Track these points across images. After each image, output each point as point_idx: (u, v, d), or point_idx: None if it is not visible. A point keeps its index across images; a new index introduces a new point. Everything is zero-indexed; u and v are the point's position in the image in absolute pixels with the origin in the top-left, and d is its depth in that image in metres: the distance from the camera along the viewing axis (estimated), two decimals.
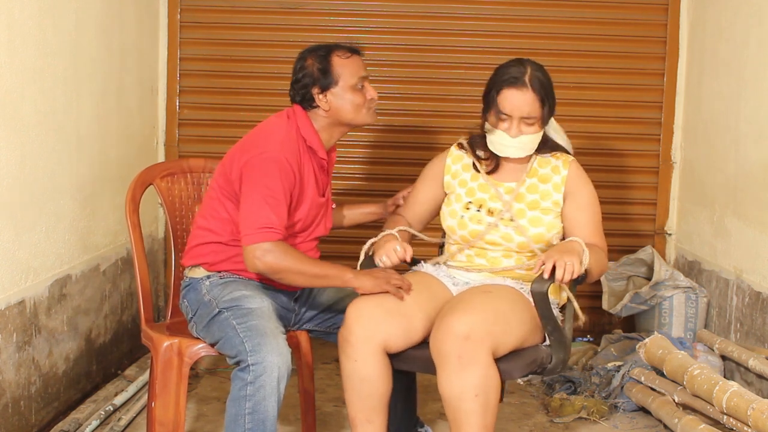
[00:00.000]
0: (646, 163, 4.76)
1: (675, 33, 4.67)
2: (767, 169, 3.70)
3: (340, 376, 4.03)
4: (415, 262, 3.15)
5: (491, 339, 2.66)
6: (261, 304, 2.81)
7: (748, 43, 3.91)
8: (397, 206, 3.24)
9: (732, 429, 3.20)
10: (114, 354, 4.04)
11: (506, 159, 2.98)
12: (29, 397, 3.24)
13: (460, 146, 3.09)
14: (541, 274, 2.72)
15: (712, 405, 3.26)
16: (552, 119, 3.07)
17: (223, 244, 2.91)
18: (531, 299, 2.80)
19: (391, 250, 2.85)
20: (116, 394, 3.74)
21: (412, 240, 3.09)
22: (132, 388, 3.78)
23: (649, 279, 4.38)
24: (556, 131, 3.08)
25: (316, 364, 3.64)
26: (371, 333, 2.75)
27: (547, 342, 2.88)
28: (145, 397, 3.61)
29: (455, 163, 3.08)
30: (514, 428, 3.63)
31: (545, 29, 4.70)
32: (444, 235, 3.13)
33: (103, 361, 3.91)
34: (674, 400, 3.50)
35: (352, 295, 2.93)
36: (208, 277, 2.89)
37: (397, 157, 4.70)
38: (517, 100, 2.87)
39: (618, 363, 3.92)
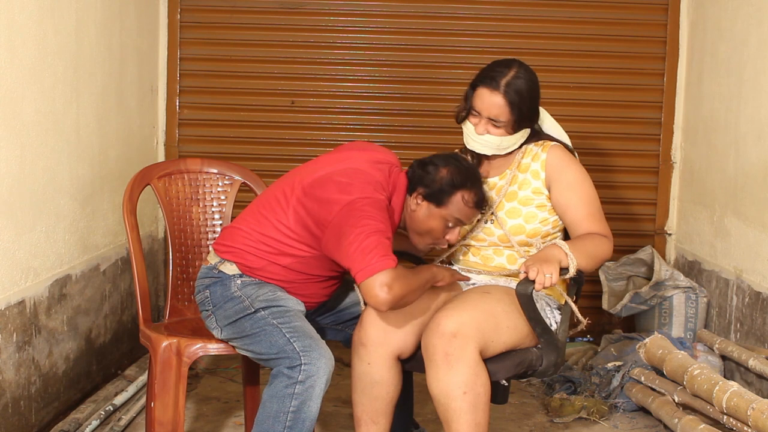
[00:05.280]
0: (646, 163, 4.77)
1: (675, 33, 4.68)
2: (767, 169, 3.70)
3: (340, 375, 4.04)
4: (420, 262, 3.16)
5: (479, 337, 2.66)
6: (296, 305, 2.82)
7: (748, 43, 3.91)
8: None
9: (732, 429, 3.20)
10: (114, 354, 4.04)
11: (492, 155, 2.99)
12: (29, 397, 3.24)
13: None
14: (526, 276, 2.71)
15: (712, 405, 3.26)
16: (549, 117, 3.07)
17: (271, 261, 2.82)
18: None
19: None
20: (116, 394, 3.74)
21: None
22: (132, 388, 3.78)
23: (649, 279, 4.38)
24: (555, 126, 3.07)
25: None
26: (387, 338, 2.77)
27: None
28: (145, 397, 3.61)
29: None
30: (514, 428, 3.63)
31: (545, 29, 4.71)
32: None
33: (103, 361, 3.91)
34: (674, 400, 3.49)
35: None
36: (240, 275, 2.86)
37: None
38: (487, 100, 2.87)
39: (618, 363, 3.92)
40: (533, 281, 2.68)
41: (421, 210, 2.82)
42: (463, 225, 2.85)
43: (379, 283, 2.57)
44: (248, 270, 2.84)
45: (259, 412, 2.69)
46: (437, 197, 2.79)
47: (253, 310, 2.77)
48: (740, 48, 3.99)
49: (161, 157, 4.69)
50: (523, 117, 2.90)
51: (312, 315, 3.00)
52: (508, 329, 2.76)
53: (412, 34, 4.74)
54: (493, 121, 2.89)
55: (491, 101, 2.87)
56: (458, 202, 2.79)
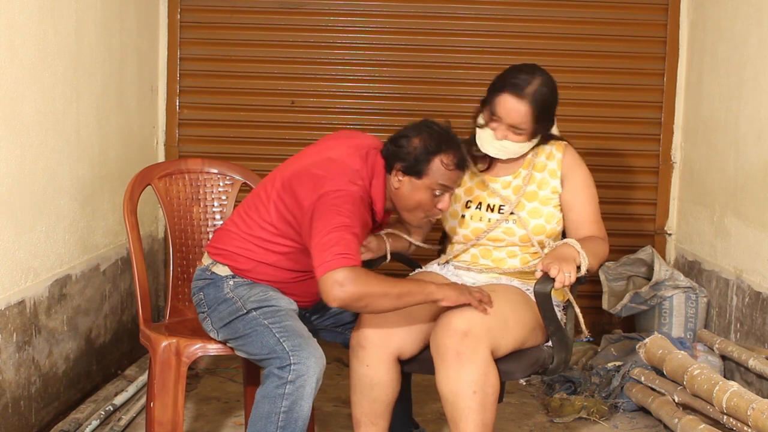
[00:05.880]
0: (646, 163, 4.77)
1: (675, 33, 4.68)
2: (767, 169, 3.70)
3: (340, 375, 4.05)
4: (414, 265, 3.15)
5: (490, 336, 2.67)
6: (289, 305, 2.81)
7: (748, 43, 3.91)
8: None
9: (732, 429, 3.20)
10: (114, 354, 4.04)
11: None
12: (29, 397, 3.24)
13: None
14: (545, 274, 2.71)
15: (712, 405, 3.26)
16: None
17: (260, 262, 2.82)
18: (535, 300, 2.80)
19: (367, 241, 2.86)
20: (116, 394, 3.74)
21: (410, 247, 3.12)
22: (132, 388, 3.78)
23: (649, 279, 4.38)
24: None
25: None
26: (386, 340, 2.76)
27: (549, 342, 2.89)
28: (145, 397, 3.61)
29: None
30: (514, 428, 3.63)
31: (545, 29, 4.71)
32: (441, 240, 3.15)
33: (103, 361, 3.91)
34: (674, 400, 3.49)
35: None
36: (233, 276, 2.86)
37: None
38: (512, 108, 2.84)
39: (618, 363, 3.92)
40: (552, 279, 2.68)
41: (404, 186, 2.75)
42: (450, 190, 2.78)
43: (332, 281, 2.53)
44: (239, 272, 2.84)
45: (252, 413, 2.69)
46: (416, 169, 2.72)
47: (245, 311, 2.76)
48: (740, 48, 3.99)
49: (161, 157, 4.69)
50: (543, 125, 2.90)
51: (311, 317, 3.00)
52: (517, 328, 2.76)
53: (412, 34, 4.74)
54: (513, 128, 2.86)
55: (516, 108, 2.83)
56: (438, 168, 2.72)
